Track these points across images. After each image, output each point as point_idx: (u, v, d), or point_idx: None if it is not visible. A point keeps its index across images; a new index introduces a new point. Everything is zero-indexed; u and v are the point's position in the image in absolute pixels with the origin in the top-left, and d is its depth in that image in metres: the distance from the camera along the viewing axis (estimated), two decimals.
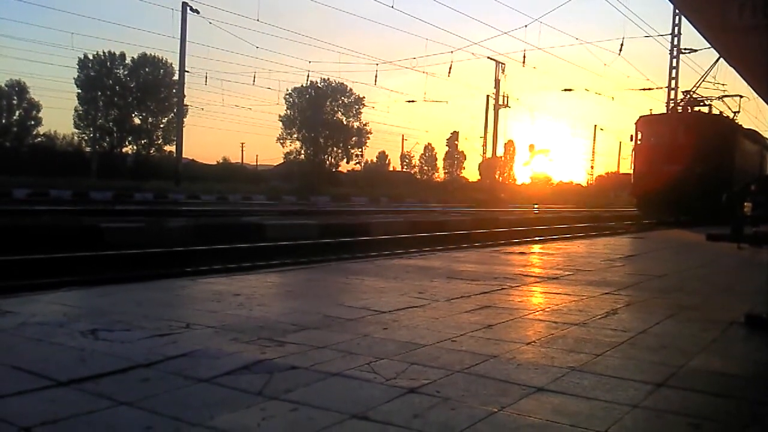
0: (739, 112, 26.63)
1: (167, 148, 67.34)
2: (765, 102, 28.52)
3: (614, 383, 2.78)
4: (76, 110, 67.02)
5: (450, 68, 39.89)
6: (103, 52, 67.31)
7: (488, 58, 48.55)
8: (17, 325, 3.51)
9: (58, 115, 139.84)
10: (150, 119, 69.54)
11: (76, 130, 67.45)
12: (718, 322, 4.29)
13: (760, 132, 29.91)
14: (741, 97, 26.93)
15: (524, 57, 39.48)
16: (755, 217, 10.30)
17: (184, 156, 43.21)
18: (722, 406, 2.61)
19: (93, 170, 46.03)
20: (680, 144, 22.94)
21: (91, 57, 66.40)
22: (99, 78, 67.07)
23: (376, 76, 49.08)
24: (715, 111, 25.49)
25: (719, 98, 26.14)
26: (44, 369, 2.70)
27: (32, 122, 68.80)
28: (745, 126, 26.90)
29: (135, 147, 68.18)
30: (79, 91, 66.81)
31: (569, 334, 3.75)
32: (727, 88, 27.45)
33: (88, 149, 62.67)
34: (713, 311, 4.79)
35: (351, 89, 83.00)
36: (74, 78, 66.58)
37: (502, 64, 50.37)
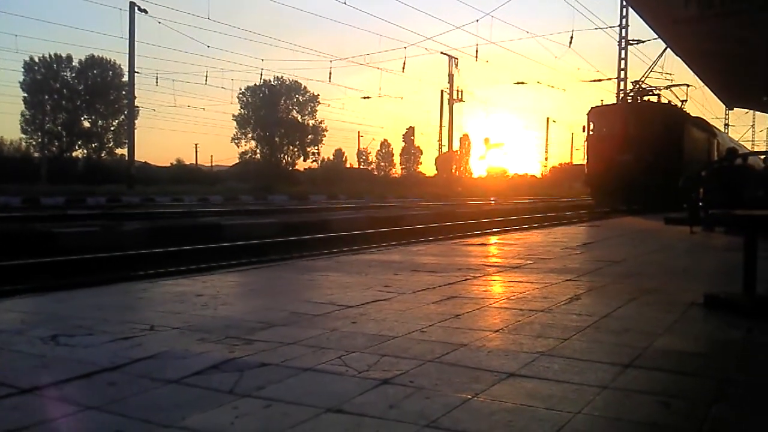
0: (686, 101, 27.39)
1: (119, 151, 66.27)
2: (711, 90, 29.34)
3: (583, 366, 2.82)
4: (22, 115, 65.45)
5: (404, 64, 40.01)
6: (49, 55, 65.80)
7: (441, 53, 49.02)
8: None
9: (4, 120, 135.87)
10: (100, 122, 68.17)
11: (24, 135, 65.80)
12: (678, 304, 4.38)
13: (707, 120, 30.70)
14: (688, 86, 27.71)
15: (477, 51, 40.19)
16: (707, 201, 10.64)
17: (136, 159, 42.48)
18: (688, 384, 2.66)
19: (43, 175, 44.84)
20: (630, 134, 23.43)
21: (36, 60, 64.83)
22: (45, 81, 65.46)
23: (330, 74, 48.73)
24: (663, 100, 26.10)
25: (667, 88, 26.81)
26: (5, 377, 2.61)
27: None
28: (692, 114, 27.62)
29: (85, 151, 66.86)
30: (25, 95, 65.21)
31: (535, 321, 3.79)
32: (675, 77, 28.32)
33: (36, 154, 61.17)
34: (672, 293, 4.89)
35: (305, 87, 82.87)
36: (20, 81, 64.94)
37: (455, 58, 50.93)
